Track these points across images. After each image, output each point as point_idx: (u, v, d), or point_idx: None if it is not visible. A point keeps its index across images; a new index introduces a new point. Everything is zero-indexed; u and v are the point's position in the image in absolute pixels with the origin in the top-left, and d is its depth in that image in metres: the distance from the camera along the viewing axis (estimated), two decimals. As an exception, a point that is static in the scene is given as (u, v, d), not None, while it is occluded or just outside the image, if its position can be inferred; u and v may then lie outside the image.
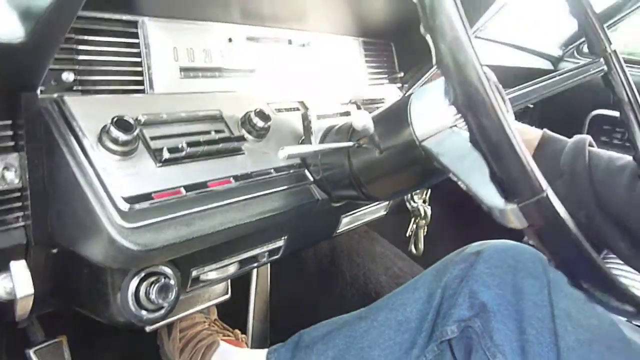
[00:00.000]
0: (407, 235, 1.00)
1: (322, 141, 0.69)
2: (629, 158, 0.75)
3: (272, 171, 0.65)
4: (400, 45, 1.05)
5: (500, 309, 0.74)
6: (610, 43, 0.70)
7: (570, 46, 1.90)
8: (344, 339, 0.86)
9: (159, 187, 0.54)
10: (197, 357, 1.03)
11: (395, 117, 0.59)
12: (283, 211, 0.63)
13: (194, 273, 0.63)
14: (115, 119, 0.52)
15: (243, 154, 0.64)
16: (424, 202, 1.01)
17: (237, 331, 1.10)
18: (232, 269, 0.69)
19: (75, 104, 0.54)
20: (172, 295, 0.56)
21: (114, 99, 0.58)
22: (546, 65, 1.85)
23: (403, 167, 0.60)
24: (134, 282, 0.55)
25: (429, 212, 0.99)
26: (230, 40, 0.72)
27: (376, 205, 0.92)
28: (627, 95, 0.68)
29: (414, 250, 1.02)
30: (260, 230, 0.63)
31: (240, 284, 1.16)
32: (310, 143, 0.68)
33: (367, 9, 0.90)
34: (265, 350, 0.96)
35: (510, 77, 1.73)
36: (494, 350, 0.73)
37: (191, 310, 1.06)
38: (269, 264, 1.28)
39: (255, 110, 0.66)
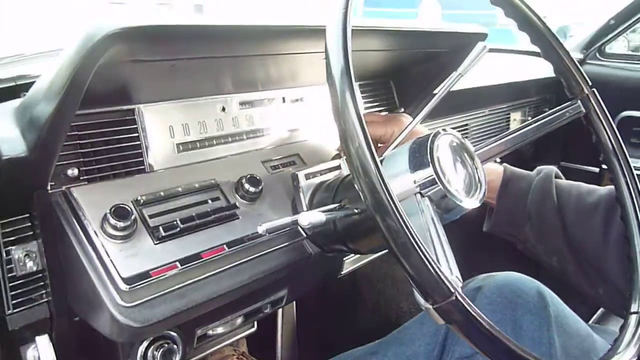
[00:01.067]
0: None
1: (311, 198, 0.74)
2: (600, 191, 0.73)
3: (266, 232, 0.71)
4: (399, 82, 1.08)
5: None
6: (587, 84, 0.71)
7: (591, 48, 1.86)
8: None
9: (157, 264, 0.60)
10: None
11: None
12: (275, 271, 0.69)
13: (199, 332, 0.69)
14: (113, 209, 0.59)
15: (238, 219, 0.70)
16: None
17: None
18: (238, 322, 0.74)
19: (80, 194, 0.62)
20: (176, 358, 0.63)
21: (115, 184, 0.65)
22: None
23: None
24: (142, 347, 0.62)
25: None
26: (223, 109, 0.78)
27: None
28: (609, 138, 0.68)
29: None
30: (255, 291, 0.68)
31: (267, 317, 1.22)
32: (300, 201, 0.73)
33: (360, 61, 0.93)
34: None
35: (530, 88, 1.71)
36: None
37: (219, 346, 1.13)
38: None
39: (246, 177, 0.72)
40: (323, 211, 0.59)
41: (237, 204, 0.71)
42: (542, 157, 1.91)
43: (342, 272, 0.91)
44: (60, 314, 0.63)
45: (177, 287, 0.60)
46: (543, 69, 1.80)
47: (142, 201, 0.64)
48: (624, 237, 0.68)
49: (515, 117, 1.66)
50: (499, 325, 0.81)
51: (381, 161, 0.63)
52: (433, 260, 0.38)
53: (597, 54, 1.83)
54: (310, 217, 0.56)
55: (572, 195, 0.74)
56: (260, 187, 0.72)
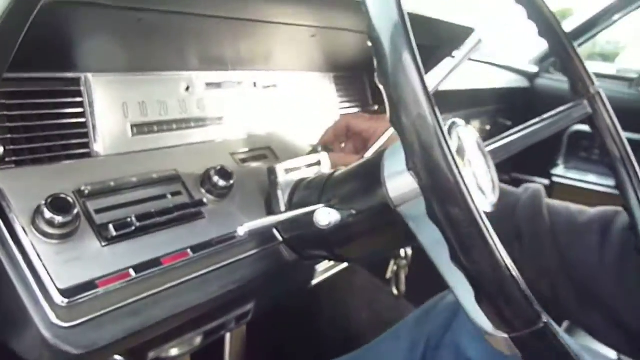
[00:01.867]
0: (387, 277, 0.95)
1: (290, 197, 0.63)
2: (590, 212, 0.69)
3: (247, 235, 0.60)
4: (373, 77, 1.00)
5: None
6: (593, 83, 0.66)
7: (546, 62, 1.88)
8: None
9: (105, 272, 0.48)
10: None
11: (366, 177, 0.54)
12: (248, 281, 0.58)
13: (152, 355, 0.56)
14: (50, 199, 0.46)
15: (204, 218, 0.58)
16: (404, 241, 0.96)
17: None
18: (196, 341, 0.62)
19: (5, 178, 0.48)
20: (124, 391, 0.50)
21: (53, 169, 0.52)
22: (523, 82, 1.83)
23: (376, 231, 0.55)
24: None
25: (409, 252, 0.94)
26: (187, 89, 0.67)
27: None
28: (615, 142, 0.63)
29: (395, 292, 0.97)
30: (222, 305, 0.57)
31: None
32: (277, 200, 0.63)
33: (336, 44, 0.85)
34: None
35: (486, 97, 1.70)
36: None
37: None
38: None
39: (215, 168, 0.60)
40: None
41: (203, 200, 0.59)
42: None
43: (312, 283, 0.81)
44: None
45: (130, 301, 0.48)
46: (497, 79, 1.80)
47: (86, 192, 0.51)
48: (619, 259, 0.64)
49: (475, 125, 1.64)
50: (484, 342, 0.75)
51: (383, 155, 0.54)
52: (517, 275, 0.29)
53: (551, 69, 1.86)
54: (330, 216, 0.46)
55: (563, 215, 0.69)
56: (232, 182, 0.61)
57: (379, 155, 0.54)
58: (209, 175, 0.60)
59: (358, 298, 1.22)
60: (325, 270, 0.83)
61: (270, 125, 0.77)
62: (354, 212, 0.53)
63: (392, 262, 0.95)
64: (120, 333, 0.46)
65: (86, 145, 0.56)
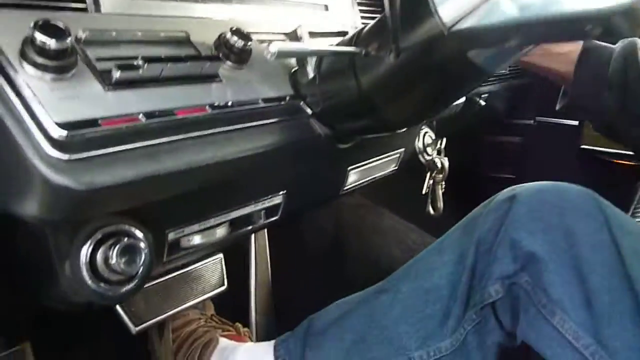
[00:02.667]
0: (424, 192, 0.87)
1: (318, 68, 0.55)
2: None
3: (260, 101, 0.52)
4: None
5: (552, 257, 0.61)
6: None
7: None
8: (363, 319, 0.72)
9: (109, 113, 0.40)
10: (193, 358, 0.88)
11: (409, 6, 0.46)
12: (277, 147, 0.50)
13: (171, 236, 0.49)
14: (39, 22, 0.39)
15: (220, 81, 0.51)
16: (439, 153, 0.87)
17: (239, 324, 0.96)
18: (221, 232, 0.55)
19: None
20: (141, 260, 0.42)
21: (40, 15, 0.44)
22: None
23: (429, 71, 0.47)
24: (87, 246, 0.41)
25: (446, 164, 0.86)
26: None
27: (386, 158, 0.79)
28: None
29: (431, 211, 0.89)
30: (250, 176, 0.49)
31: (237, 274, 1.03)
32: (305, 67, 0.55)
33: None
34: (272, 342, 0.82)
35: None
36: (551, 307, 0.60)
37: (183, 306, 0.93)
38: (267, 248, 1.14)
39: (231, 29, 0.53)
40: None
41: (219, 57, 0.51)
42: (518, 113, 1.82)
43: (345, 187, 0.73)
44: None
45: (143, 144, 0.40)
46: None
47: (83, 39, 0.44)
48: None
49: None
50: (546, 233, 0.67)
51: None
52: None
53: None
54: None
55: None
56: (250, 45, 0.53)
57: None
58: (225, 38, 0.53)
59: (387, 237, 1.14)
60: (357, 178, 0.75)
61: (286, 12, 0.69)
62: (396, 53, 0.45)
63: (427, 176, 0.87)
64: (132, 175, 0.38)
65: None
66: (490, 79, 1.36)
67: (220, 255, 1.00)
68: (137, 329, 0.86)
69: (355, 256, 1.11)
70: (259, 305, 1.08)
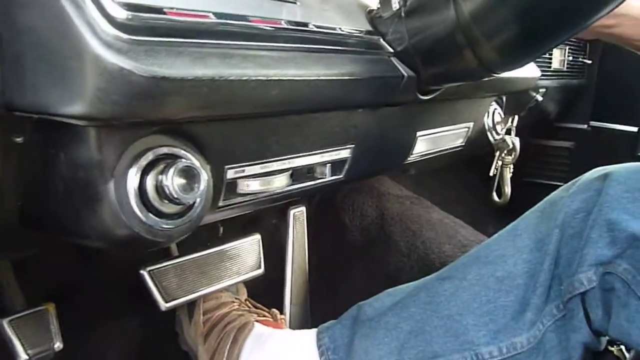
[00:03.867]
0: (492, 174, 0.78)
1: (404, 2, 0.48)
2: None
3: (338, 29, 0.45)
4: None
5: None
6: None
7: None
8: (422, 307, 0.63)
9: (174, 4, 0.33)
10: (226, 343, 0.80)
11: None
12: (357, 78, 0.42)
13: (230, 174, 0.41)
14: None
15: (295, 3, 0.44)
16: (509, 132, 0.79)
17: (275, 310, 0.88)
18: (280, 181, 0.47)
19: None
20: (199, 187, 0.35)
21: None
22: None
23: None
24: (137, 166, 0.34)
25: (517, 144, 0.78)
26: None
27: (455, 130, 0.71)
28: None
29: (496, 198, 0.80)
30: (322, 111, 0.42)
31: (273, 259, 0.95)
32: (389, 2, 0.48)
33: None
34: (314, 331, 0.73)
35: None
36: None
37: (217, 286, 0.86)
38: (305, 235, 1.07)
39: (307, -54, 0.46)
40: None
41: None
42: (570, 116, 1.71)
43: (412, 155, 0.65)
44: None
45: (214, 42, 0.33)
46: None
47: None
48: None
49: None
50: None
51: None
52: None
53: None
54: None
55: None
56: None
57: None
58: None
59: (437, 232, 1.05)
60: (424, 147, 0.67)
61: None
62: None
63: (496, 156, 0.78)
64: (203, 73, 0.31)
65: None
66: (547, 73, 1.27)
67: (258, 236, 0.93)
68: (167, 305, 0.79)
69: (400, 249, 1.02)
70: (294, 296, 1.00)
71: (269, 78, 0.35)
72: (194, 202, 0.36)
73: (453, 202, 1.32)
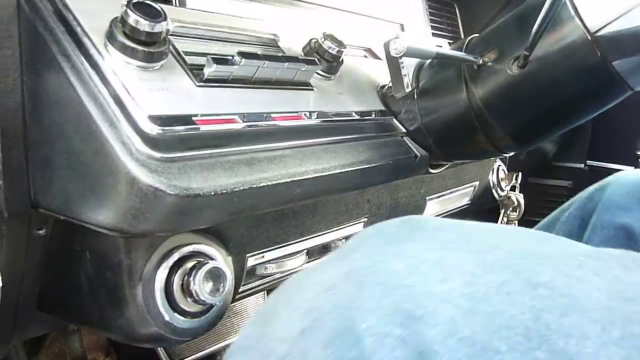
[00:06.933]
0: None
1: (417, 80, 0.49)
2: None
3: (354, 114, 0.46)
4: (464, 7, 0.88)
5: None
6: None
7: None
8: None
9: (203, 111, 0.34)
10: None
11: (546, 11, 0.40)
12: (377, 165, 0.43)
13: (250, 262, 0.42)
14: (133, 2, 0.33)
15: (312, 90, 0.45)
16: (513, 189, 0.80)
17: None
18: (297, 261, 0.47)
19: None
20: (225, 288, 0.35)
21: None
22: None
23: (559, 83, 0.40)
24: (164, 268, 0.34)
25: (522, 201, 0.79)
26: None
27: (462, 190, 0.72)
28: None
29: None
30: (340, 194, 0.43)
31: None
32: (400, 79, 0.49)
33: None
34: None
35: None
36: None
37: (224, 343, 0.85)
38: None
39: (324, 34, 0.47)
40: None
41: (316, 61, 0.46)
42: (567, 156, 1.73)
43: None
44: (13, 214, 0.35)
45: (237, 149, 0.34)
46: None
47: (171, 30, 0.39)
48: None
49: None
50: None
51: None
52: None
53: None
54: None
55: None
56: (343, 51, 0.48)
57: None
58: (317, 43, 0.47)
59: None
60: (433, 209, 0.68)
61: (366, 29, 0.64)
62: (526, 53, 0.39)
63: (501, 214, 0.79)
64: (230, 182, 0.31)
65: (167, -8, 0.43)
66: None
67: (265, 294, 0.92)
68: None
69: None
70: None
71: (293, 179, 0.35)
72: (217, 302, 0.36)
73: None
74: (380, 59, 0.61)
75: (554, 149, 1.70)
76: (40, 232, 0.39)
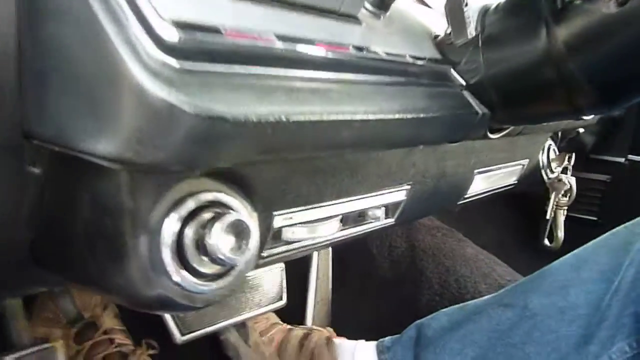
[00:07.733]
0: (548, 217, 0.71)
1: (482, 24, 0.42)
2: None
3: (407, 57, 0.39)
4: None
5: None
6: None
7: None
8: (486, 334, 0.63)
9: (233, 22, 0.27)
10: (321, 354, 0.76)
11: None
12: (435, 115, 0.36)
13: (277, 221, 0.35)
14: None
15: (359, 24, 0.38)
16: (565, 171, 0.72)
17: (329, 328, 0.84)
18: (329, 228, 0.41)
19: None
20: (248, 245, 0.28)
21: None
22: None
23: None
24: (175, 216, 0.28)
25: (573, 184, 0.71)
26: None
27: (510, 167, 0.64)
28: None
29: (547, 242, 0.73)
30: (396, 143, 0.36)
31: (295, 289, 0.89)
32: (463, 23, 0.41)
33: None
34: (372, 344, 0.74)
35: None
36: None
37: (238, 318, 0.80)
38: (330, 265, 1.00)
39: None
40: None
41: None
42: (607, 149, 1.63)
43: (467, 195, 0.58)
44: (6, 145, 0.29)
45: (274, 72, 0.27)
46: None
47: None
48: None
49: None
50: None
51: None
52: None
53: None
54: None
55: None
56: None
57: None
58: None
59: (471, 268, 0.98)
60: (479, 186, 0.61)
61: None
62: None
63: (552, 197, 0.71)
64: (263, 109, 0.25)
65: None
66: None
67: (282, 265, 0.86)
68: (183, 338, 0.73)
69: (432, 286, 0.95)
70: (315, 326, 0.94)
71: (341, 119, 0.28)
72: (239, 262, 0.29)
73: (479, 233, 1.24)
74: (431, 7, 0.53)
75: (592, 141, 1.60)
76: (35, 169, 0.33)
